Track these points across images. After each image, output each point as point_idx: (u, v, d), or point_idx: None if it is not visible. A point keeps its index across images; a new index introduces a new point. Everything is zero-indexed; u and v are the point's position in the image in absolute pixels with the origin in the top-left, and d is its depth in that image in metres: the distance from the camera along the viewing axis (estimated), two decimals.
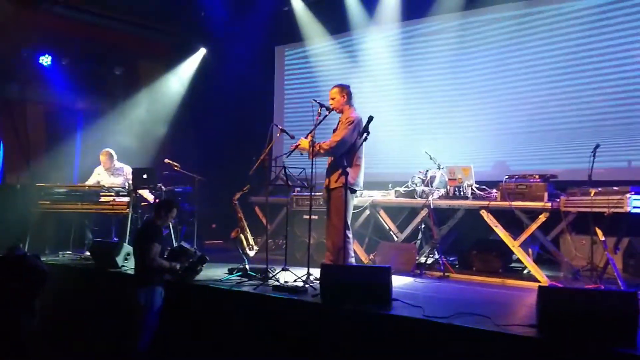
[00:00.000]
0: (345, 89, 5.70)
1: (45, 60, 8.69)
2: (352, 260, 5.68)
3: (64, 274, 6.60)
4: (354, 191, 5.63)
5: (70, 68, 8.99)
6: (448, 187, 6.37)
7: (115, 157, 7.68)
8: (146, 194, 7.28)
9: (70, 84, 8.98)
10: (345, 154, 5.53)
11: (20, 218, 7.43)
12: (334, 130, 5.69)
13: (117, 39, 9.57)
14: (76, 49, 9.00)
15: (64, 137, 9.03)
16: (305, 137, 5.53)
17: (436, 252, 6.57)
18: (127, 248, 6.35)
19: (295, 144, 5.62)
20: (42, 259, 6.92)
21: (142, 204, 7.26)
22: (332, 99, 5.69)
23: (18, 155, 8.63)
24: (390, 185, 6.95)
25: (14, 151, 8.61)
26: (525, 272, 6.17)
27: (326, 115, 5.64)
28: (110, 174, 7.62)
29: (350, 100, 5.69)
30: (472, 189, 6.21)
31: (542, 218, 5.66)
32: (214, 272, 5.92)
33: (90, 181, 7.57)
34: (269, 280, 5.44)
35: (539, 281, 5.55)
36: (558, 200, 5.60)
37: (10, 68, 8.41)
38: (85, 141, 9.07)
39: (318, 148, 5.46)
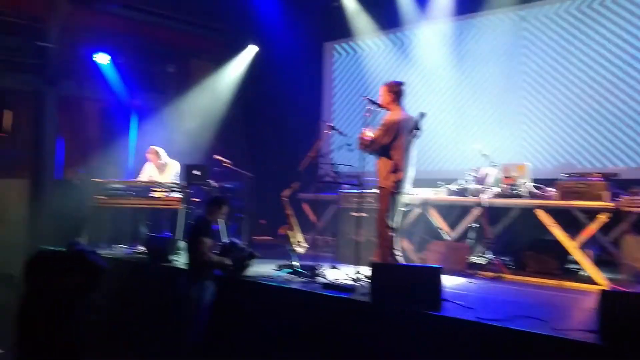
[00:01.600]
0: (393, 87, 5.58)
1: (101, 58, 8.93)
2: (399, 259, 5.59)
3: (118, 268, 6.78)
4: (393, 192, 5.46)
5: (125, 66, 9.21)
6: (502, 185, 6.18)
7: (161, 154, 7.78)
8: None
9: (124, 81, 9.21)
10: (386, 154, 5.44)
11: (77, 212, 7.67)
12: None
13: (170, 38, 9.76)
14: (130, 47, 9.21)
15: (119, 133, 9.25)
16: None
17: (489, 252, 6.39)
18: (178, 243, 6.46)
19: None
20: (98, 253, 7.17)
21: (193, 199, 7.37)
22: (380, 96, 5.63)
23: (75, 151, 8.91)
24: (441, 183, 6.80)
25: (72, 147, 8.89)
26: (583, 274, 5.92)
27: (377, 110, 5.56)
28: (158, 170, 7.75)
29: (398, 98, 5.56)
30: (527, 188, 6.01)
31: (601, 218, 5.44)
32: (263, 269, 5.94)
33: (142, 177, 7.72)
34: (318, 278, 5.42)
35: (597, 284, 5.33)
36: (619, 199, 5.36)
37: (68, 66, 8.68)
38: (139, 137, 9.27)
39: (361, 140, 5.49)
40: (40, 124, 8.58)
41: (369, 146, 5.48)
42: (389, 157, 5.42)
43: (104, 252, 7.28)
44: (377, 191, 5.55)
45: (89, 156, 8.94)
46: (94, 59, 8.90)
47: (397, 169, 5.36)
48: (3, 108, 8.58)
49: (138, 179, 7.66)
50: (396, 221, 5.50)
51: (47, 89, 8.54)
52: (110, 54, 9.01)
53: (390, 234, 5.37)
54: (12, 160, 9.04)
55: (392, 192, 5.38)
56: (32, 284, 3.05)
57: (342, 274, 5.47)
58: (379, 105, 5.60)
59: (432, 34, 8.41)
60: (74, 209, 7.73)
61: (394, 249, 5.41)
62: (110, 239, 7.72)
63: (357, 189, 6.11)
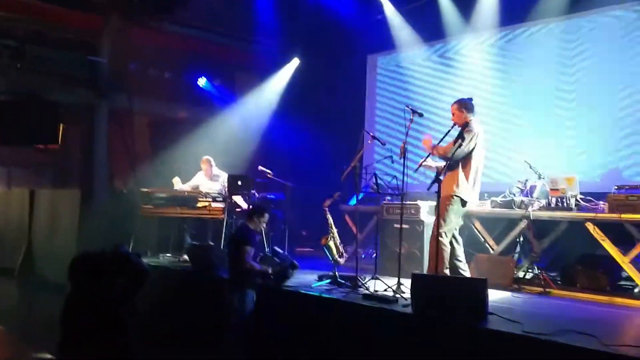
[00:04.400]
0: (462, 105, 5.77)
1: (150, 72, 9.20)
2: (447, 272, 5.52)
3: (164, 276, 6.92)
4: (463, 202, 5.64)
5: (173, 80, 9.46)
6: (550, 198, 6.01)
7: (213, 164, 7.96)
8: (240, 200, 7.48)
9: (172, 95, 9.47)
10: (461, 163, 5.61)
11: (125, 221, 7.89)
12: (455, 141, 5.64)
13: (216, 52, 9.98)
14: (178, 62, 9.47)
15: (166, 145, 9.48)
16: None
17: (536, 267, 6.20)
18: (221, 252, 6.54)
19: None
20: (144, 260, 7.33)
21: (237, 209, 7.47)
22: (454, 115, 5.78)
23: (125, 162, 9.17)
24: (485, 195, 6.68)
25: (121, 158, 9.16)
26: (636, 290, 5.67)
27: (451, 128, 5.62)
28: (209, 179, 7.90)
29: (470, 112, 5.76)
30: (576, 200, 5.83)
31: None
32: (304, 279, 5.94)
33: (190, 183, 7.87)
34: (359, 289, 5.38)
35: None
36: None
37: (119, 80, 8.98)
38: (186, 149, 9.47)
39: (433, 148, 5.70)
40: (92, 136, 8.88)
41: (448, 153, 5.57)
42: (464, 167, 5.58)
43: (150, 260, 7.45)
44: (442, 200, 5.50)
45: (138, 167, 9.20)
46: (144, 73, 9.20)
47: (471, 179, 5.60)
48: (57, 121, 8.95)
49: (185, 186, 7.79)
50: (445, 231, 5.50)
51: (98, 102, 8.85)
52: (159, 69, 9.28)
53: (435, 242, 5.35)
54: (65, 171, 9.41)
55: (462, 202, 5.58)
56: (75, 285, 3.12)
57: (384, 285, 5.41)
58: (420, 115, 5.69)
59: (476, 45, 8.32)
60: (123, 218, 7.95)
61: (439, 258, 5.36)
62: (157, 247, 7.90)
63: (399, 200, 6.06)
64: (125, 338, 3.14)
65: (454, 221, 5.66)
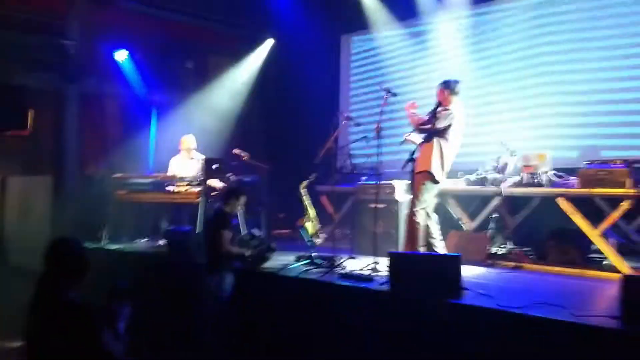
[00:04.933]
0: (447, 86, 5.79)
1: (121, 55, 9.03)
2: (422, 250, 5.59)
3: (139, 261, 6.87)
4: (435, 180, 5.64)
5: (144, 62, 9.30)
6: (522, 175, 6.10)
7: (194, 143, 7.89)
8: (215, 182, 7.42)
9: (144, 77, 9.31)
10: (435, 139, 5.63)
11: (99, 207, 7.79)
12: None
13: (188, 33, 9.81)
14: (149, 43, 9.29)
15: (138, 129, 9.35)
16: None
17: (509, 242, 6.33)
18: (198, 235, 6.51)
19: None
20: (120, 246, 7.28)
21: (212, 193, 7.42)
22: (437, 95, 5.82)
23: (96, 147, 9.02)
24: (459, 173, 6.75)
25: (93, 143, 9.01)
26: (606, 263, 5.82)
27: (436, 109, 5.67)
28: (190, 157, 7.81)
29: (453, 94, 5.78)
30: (548, 176, 5.93)
31: (624, 206, 5.33)
32: (282, 260, 5.96)
33: (170, 171, 7.78)
34: (336, 269, 5.42)
35: (621, 272, 5.22)
36: None
37: (88, 64, 8.78)
38: (159, 133, 9.36)
39: (410, 117, 5.80)
40: (62, 121, 8.70)
41: (422, 125, 5.66)
42: (439, 145, 5.60)
43: (125, 245, 7.40)
44: (416, 176, 5.54)
45: (110, 152, 9.06)
46: (113, 56, 9.01)
47: (445, 158, 5.61)
48: (25, 107, 8.74)
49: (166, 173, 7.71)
50: (417, 209, 5.54)
51: (68, 86, 8.65)
52: (129, 51, 9.10)
53: (411, 221, 5.42)
54: (36, 158, 9.20)
55: (434, 180, 5.59)
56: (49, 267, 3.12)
57: (361, 264, 5.46)
58: (395, 95, 5.76)
59: (449, 24, 8.33)
60: (96, 204, 7.86)
61: (414, 236, 5.43)
62: (132, 233, 7.83)
63: (375, 181, 6.09)
64: (95, 324, 3.10)
65: (428, 200, 5.71)
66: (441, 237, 5.86)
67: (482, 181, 6.38)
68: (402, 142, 5.98)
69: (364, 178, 7.00)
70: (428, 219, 5.73)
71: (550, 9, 7.42)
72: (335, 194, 6.27)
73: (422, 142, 5.71)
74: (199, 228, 6.81)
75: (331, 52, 9.80)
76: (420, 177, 5.58)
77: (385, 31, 9.12)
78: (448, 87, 5.78)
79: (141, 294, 6.47)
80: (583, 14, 7.13)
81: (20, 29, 8.25)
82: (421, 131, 5.72)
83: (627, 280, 3.57)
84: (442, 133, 5.63)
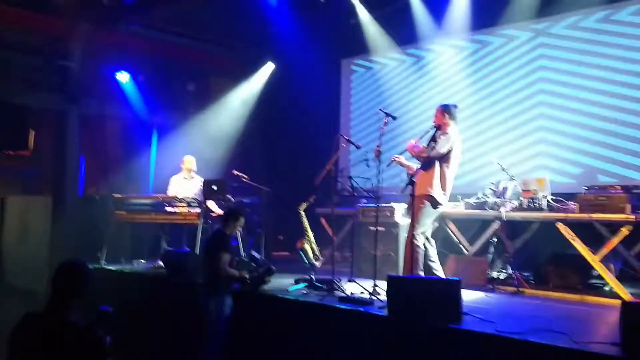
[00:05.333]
0: (445, 110, 5.84)
1: (122, 77, 9.10)
2: (421, 273, 5.57)
3: (138, 282, 6.84)
4: (436, 204, 5.67)
5: (146, 84, 9.37)
6: (521, 199, 6.11)
7: (194, 164, 7.92)
8: (213, 205, 7.43)
9: (145, 99, 9.38)
10: (436, 164, 5.68)
11: (98, 228, 7.78)
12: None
13: (189, 56, 9.91)
14: (151, 66, 9.38)
15: (139, 150, 9.39)
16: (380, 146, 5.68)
17: (509, 267, 6.31)
18: (197, 257, 6.49)
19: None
20: (118, 267, 7.26)
21: (212, 214, 7.42)
22: (435, 116, 5.88)
23: (97, 168, 9.05)
24: (459, 197, 6.76)
25: (93, 165, 9.03)
26: (606, 289, 5.80)
27: (435, 130, 5.72)
28: (190, 178, 7.83)
29: (452, 118, 5.82)
30: (547, 201, 5.94)
31: (624, 231, 5.33)
32: (281, 283, 5.94)
33: (170, 192, 7.78)
34: (335, 292, 5.40)
35: (621, 298, 5.21)
36: None
37: (90, 85, 8.85)
38: (160, 154, 9.39)
39: (409, 148, 5.85)
40: (63, 142, 8.73)
41: (422, 152, 5.70)
42: (440, 169, 5.65)
43: (125, 267, 7.37)
44: (415, 200, 5.56)
45: (110, 173, 9.08)
46: (115, 77, 9.09)
47: (445, 182, 5.65)
48: (26, 127, 8.79)
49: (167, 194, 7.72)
50: (417, 233, 5.54)
51: (69, 107, 8.71)
52: (130, 73, 9.18)
53: (409, 244, 5.42)
54: (36, 178, 9.23)
55: (435, 204, 5.62)
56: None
57: (360, 287, 5.44)
58: (394, 118, 5.78)
59: (449, 49, 8.44)
60: (96, 225, 7.85)
61: (413, 260, 5.41)
62: (131, 254, 7.82)
63: (374, 203, 6.10)
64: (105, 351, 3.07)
65: (427, 223, 5.73)
66: (438, 261, 5.85)
67: (481, 205, 6.38)
68: (389, 164, 5.97)
69: (363, 200, 7.01)
70: (427, 243, 5.75)
71: (549, 37, 7.52)
72: (334, 217, 6.26)
73: (423, 166, 5.73)
74: (198, 249, 6.80)
75: (331, 76, 9.89)
76: (420, 201, 5.60)
77: (385, 55, 9.22)
78: (447, 111, 5.83)
79: (140, 315, 6.49)
80: (583, 40, 7.22)
81: (23, 50, 8.35)
82: (425, 159, 5.75)
83: (627, 307, 3.56)
84: (443, 157, 5.68)
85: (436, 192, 5.64)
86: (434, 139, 5.62)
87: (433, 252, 5.80)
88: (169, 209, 7.31)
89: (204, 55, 10.14)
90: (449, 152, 5.68)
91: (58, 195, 8.67)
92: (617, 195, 5.41)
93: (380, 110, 5.76)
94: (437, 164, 5.69)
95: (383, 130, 5.64)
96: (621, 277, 5.73)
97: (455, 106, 5.95)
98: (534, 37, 7.65)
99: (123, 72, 9.10)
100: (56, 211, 8.57)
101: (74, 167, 8.80)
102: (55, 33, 8.57)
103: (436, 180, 5.64)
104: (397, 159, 5.98)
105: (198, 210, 7.12)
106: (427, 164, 5.74)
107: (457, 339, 4.01)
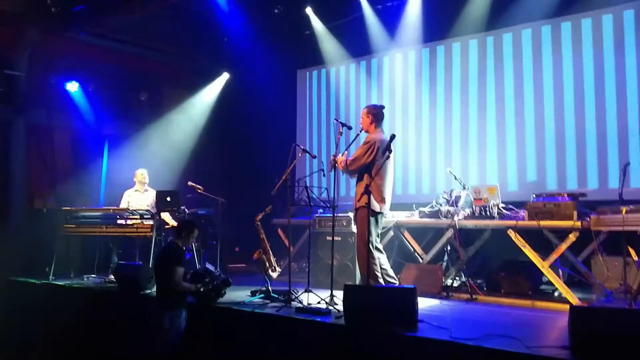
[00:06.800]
0: (371, 110, 5.73)
1: (72, 86, 8.86)
2: (381, 282, 5.58)
3: (88, 298, 6.64)
4: (375, 213, 5.53)
5: (96, 94, 9.15)
6: (474, 207, 6.24)
7: (147, 177, 7.76)
8: (167, 217, 7.31)
9: (96, 109, 9.15)
10: (366, 174, 5.48)
11: (46, 242, 7.52)
12: None
13: (141, 65, 9.74)
14: (102, 75, 9.16)
15: (90, 162, 9.13)
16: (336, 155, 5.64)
17: (463, 274, 6.43)
18: (150, 271, 6.35)
19: (333, 157, 5.66)
20: (67, 282, 7.03)
21: (166, 226, 7.29)
22: (361, 119, 5.77)
23: (45, 180, 8.75)
24: (414, 206, 6.85)
25: (41, 176, 8.73)
26: (556, 294, 5.98)
27: (357, 135, 5.70)
28: (143, 191, 7.67)
29: (376, 121, 5.70)
30: (498, 209, 6.08)
31: (571, 238, 5.51)
32: (237, 295, 5.87)
33: (122, 206, 7.59)
34: (292, 302, 5.37)
35: (570, 303, 5.37)
36: (588, 219, 5.42)
37: (37, 95, 8.58)
38: (111, 166, 9.16)
39: (337, 163, 5.64)
40: (9, 153, 8.42)
41: (350, 165, 5.59)
42: (363, 179, 5.45)
43: (73, 282, 7.14)
44: (357, 213, 5.55)
45: (59, 185, 8.79)
46: (64, 87, 8.83)
47: (372, 191, 5.38)
48: None
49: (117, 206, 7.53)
50: (371, 244, 5.50)
51: (15, 118, 8.42)
52: (81, 82, 8.95)
53: (364, 256, 5.39)
54: None
55: (366, 214, 5.35)
56: None
57: (317, 298, 5.42)
58: (349, 128, 5.74)
59: (401, 60, 8.59)
60: (43, 238, 7.59)
61: (370, 271, 5.41)
62: (81, 268, 7.58)
63: (330, 213, 6.11)
64: None
65: (373, 232, 5.54)
66: (390, 268, 5.82)
67: (435, 214, 6.48)
68: (330, 169, 5.78)
69: (320, 211, 7.02)
70: (376, 251, 5.67)
71: (497, 49, 7.74)
72: (291, 227, 6.24)
73: (357, 177, 5.68)
74: (152, 263, 6.65)
75: (287, 86, 9.90)
76: (361, 213, 5.48)
77: (340, 66, 9.31)
78: (372, 113, 5.70)
79: (91, 331, 6.30)
80: (528, 53, 7.47)
81: None
82: (351, 172, 5.69)
83: (575, 311, 3.67)
84: (369, 167, 5.50)
85: (371, 202, 5.38)
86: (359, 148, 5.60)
87: (384, 260, 5.76)
88: (120, 221, 7.13)
89: (158, 65, 9.97)
90: (373, 160, 5.47)
91: (3, 208, 8.34)
92: (564, 203, 5.58)
93: (335, 120, 5.76)
94: (366, 176, 5.48)
95: (339, 140, 5.65)
96: (569, 283, 5.92)
97: (381, 106, 5.81)
98: (481, 49, 7.85)
99: (73, 81, 8.84)
100: (1, 225, 8.24)
101: (20, 179, 8.48)
102: (1, 41, 8.28)
103: (372, 190, 5.34)
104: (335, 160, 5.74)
105: (151, 222, 6.97)
106: (358, 176, 5.65)
107: (413, 346, 4.04)
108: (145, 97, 9.72)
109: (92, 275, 7.45)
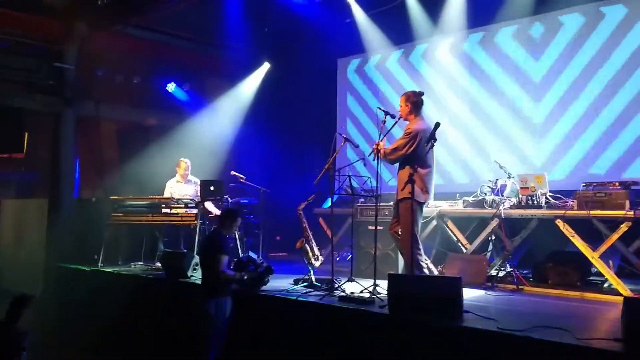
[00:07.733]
0: (410, 98, 5.58)
1: (118, 78, 9.05)
2: (426, 272, 5.52)
3: (136, 284, 6.81)
4: (420, 203, 5.44)
5: (141, 86, 9.33)
6: (520, 196, 6.10)
7: (190, 166, 7.88)
8: (211, 206, 7.41)
9: (141, 101, 9.33)
10: (409, 165, 5.31)
11: (95, 231, 7.74)
12: None
13: (185, 57, 9.88)
14: (145, 68, 9.33)
15: (135, 152, 9.33)
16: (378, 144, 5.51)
17: (508, 265, 6.31)
18: (195, 258, 6.47)
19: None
20: (115, 269, 7.23)
21: (209, 215, 7.39)
22: (400, 107, 5.62)
23: (93, 170, 9.00)
24: (458, 195, 6.75)
25: (89, 167, 8.98)
26: (605, 285, 5.80)
27: (396, 122, 5.56)
28: (184, 182, 7.80)
29: (416, 109, 5.56)
30: (546, 198, 5.93)
31: (623, 228, 5.32)
32: (280, 283, 5.91)
33: (166, 194, 7.75)
34: (335, 291, 5.37)
35: (621, 294, 5.21)
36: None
37: (85, 87, 8.81)
38: (156, 156, 9.34)
39: (381, 152, 5.48)
40: (58, 144, 8.68)
41: (389, 155, 5.48)
42: (413, 168, 5.20)
43: (121, 269, 7.33)
44: (401, 203, 5.48)
45: (106, 175, 9.03)
46: (112, 79, 9.04)
47: (421, 179, 5.32)
48: (21, 130, 8.74)
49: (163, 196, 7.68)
50: (415, 234, 5.43)
51: (64, 109, 8.66)
52: (126, 75, 9.14)
53: (409, 247, 5.33)
54: (31, 181, 9.17)
55: (411, 205, 5.23)
56: None
57: (360, 287, 5.42)
58: (393, 116, 5.61)
59: (445, 46, 8.42)
60: (92, 227, 7.81)
61: (415, 262, 5.35)
62: (128, 256, 7.77)
63: (373, 202, 6.08)
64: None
65: (418, 222, 5.48)
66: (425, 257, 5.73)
67: (480, 203, 6.37)
68: (372, 157, 5.60)
69: (362, 200, 6.99)
70: (417, 242, 5.52)
71: (548, 32, 7.50)
72: (333, 216, 6.24)
73: (399, 166, 5.56)
74: (196, 251, 6.77)
75: (328, 75, 9.86)
76: (406, 203, 5.36)
77: (381, 54, 9.21)
78: (410, 100, 5.53)
79: (138, 317, 6.46)
80: (581, 37, 7.20)
81: (19, 53, 8.30)
82: (392, 161, 5.57)
83: (629, 303, 3.56)
84: (412, 156, 5.37)
85: (416, 194, 5.20)
86: (400, 139, 5.47)
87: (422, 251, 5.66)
88: (165, 210, 7.28)
89: (199, 56, 10.10)
90: (414, 152, 5.34)
91: (54, 198, 8.62)
92: (615, 192, 5.41)
93: (379, 108, 5.69)
94: (409, 165, 5.24)
95: (382, 129, 5.59)
96: (620, 274, 5.73)
97: (421, 93, 5.62)
98: (532, 32, 7.63)
99: (119, 74, 9.04)
100: (52, 214, 8.53)
101: (69, 169, 8.75)
102: (51, 35, 8.52)
103: (415, 180, 5.11)
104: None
105: (195, 211, 7.09)
106: (400, 165, 5.52)
107: (458, 336, 3.99)
108: (188, 88, 9.87)
109: (139, 263, 7.63)
